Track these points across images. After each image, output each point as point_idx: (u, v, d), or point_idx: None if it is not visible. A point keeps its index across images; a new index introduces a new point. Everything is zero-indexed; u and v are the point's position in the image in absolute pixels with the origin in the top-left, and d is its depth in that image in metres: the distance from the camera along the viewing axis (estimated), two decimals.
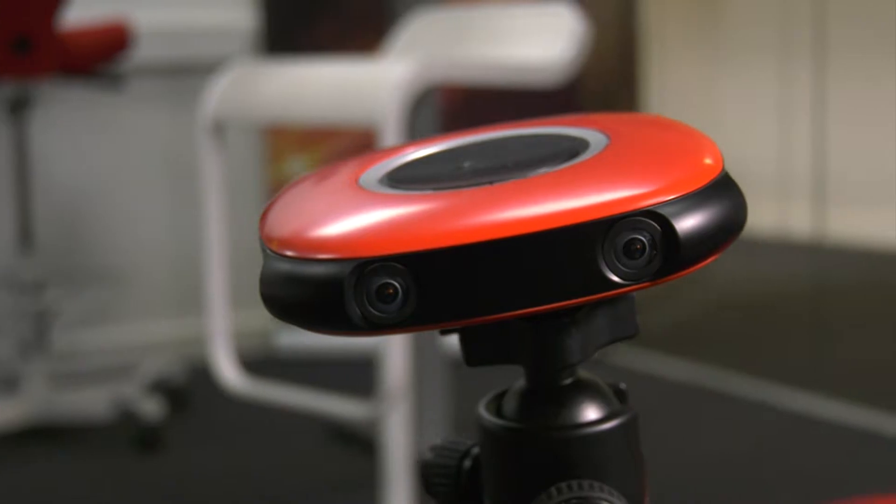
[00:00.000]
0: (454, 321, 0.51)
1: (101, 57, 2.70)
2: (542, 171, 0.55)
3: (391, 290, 0.51)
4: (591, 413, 0.60)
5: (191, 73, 3.16)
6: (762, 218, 4.25)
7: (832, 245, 4.26)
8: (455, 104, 3.01)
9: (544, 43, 2.03)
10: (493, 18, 2.17)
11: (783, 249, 4.28)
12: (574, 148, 0.58)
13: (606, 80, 3.20)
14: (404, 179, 0.58)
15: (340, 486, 2.32)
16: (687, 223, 0.51)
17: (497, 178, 0.55)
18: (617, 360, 2.96)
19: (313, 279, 0.52)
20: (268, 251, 0.55)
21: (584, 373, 0.62)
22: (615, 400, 0.62)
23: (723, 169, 0.54)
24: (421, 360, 2.21)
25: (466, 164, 0.59)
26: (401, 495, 1.85)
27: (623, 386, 0.63)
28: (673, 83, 4.81)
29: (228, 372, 2.03)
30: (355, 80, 1.86)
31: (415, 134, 1.90)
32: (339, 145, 3.23)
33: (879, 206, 4.28)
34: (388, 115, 1.74)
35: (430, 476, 0.64)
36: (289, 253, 0.53)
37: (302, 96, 1.91)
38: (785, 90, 4.51)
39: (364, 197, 0.57)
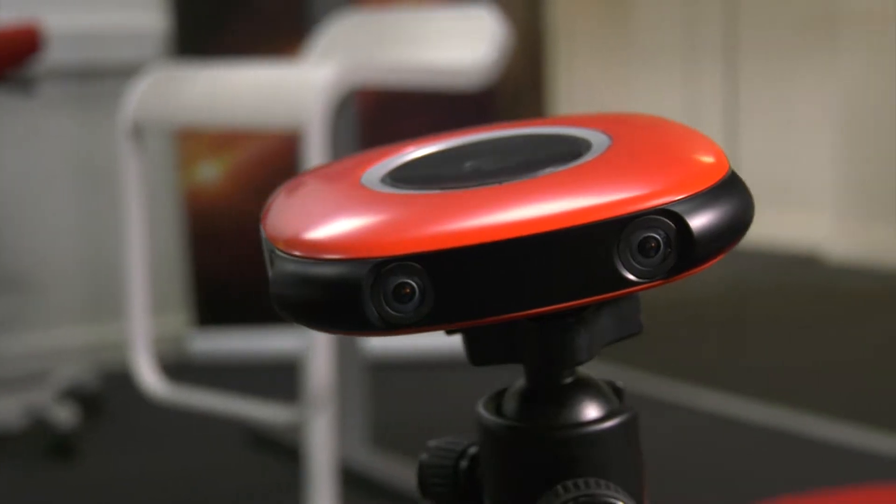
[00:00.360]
0: (470, 320, 0.52)
1: (10, 61, 2.66)
2: (551, 170, 0.55)
3: (408, 290, 0.51)
4: (594, 411, 0.61)
5: (103, 76, 3.12)
6: None
7: (745, 248, 4.31)
8: (369, 108, 3.01)
9: (465, 46, 2.03)
10: (413, 22, 2.17)
11: None
12: (577, 148, 0.58)
13: (517, 82, 3.22)
14: (410, 179, 0.58)
15: (260, 493, 2.31)
16: (701, 220, 0.52)
17: (505, 177, 0.55)
18: None
19: (330, 280, 0.51)
20: (279, 252, 0.54)
21: (582, 371, 0.62)
22: (614, 398, 0.62)
23: (729, 167, 0.55)
24: (343, 365, 2.20)
25: (470, 164, 0.60)
26: (325, 500, 1.84)
27: (620, 384, 0.63)
28: (581, 84, 4.84)
29: (149, 378, 2.01)
30: (279, 83, 1.85)
31: (336, 138, 1.89)
32: (252, 150, 3.21)
33: (790, 208, 4.34)
34: (312, 118, 1.73)
35: (426, 477, 0.64)
36: (303, 254, 0.53)
37: (225, 100, 1.89)
38: (693, 91, 4.56)
39: (373, 197, 0.56)
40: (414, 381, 2.94)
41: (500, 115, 2.96)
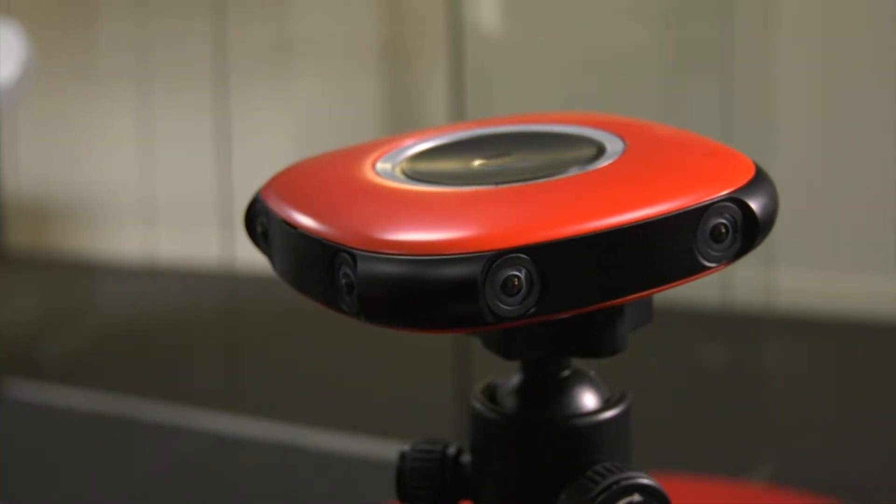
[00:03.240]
0: (573, 310, 0.53)
1: None
2: (600, 164, 0.59)
3: (516, 282, 0.52)
4: (602, 398, 0.64)
5: None
6: (131, 245, 4.24)
7: (239, 271, 4.32)
8: None
9: None
10: None
11: (155, 275, 4.29)
12: (591, 144, 0.62)
13: None
14: (456, 176, 0.59)
15: None
16: (760, 204, 0.57)
17: (560, 172, 0.58)
18: (12, 393, 2.84)
19: (445, 277, 0.51)
20: (363, 252, 0.53)
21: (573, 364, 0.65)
22: (602, 385, 0.65)
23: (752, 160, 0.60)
24: None
25: (512, 159, 0.61)
26: None
27: (592, 372, 0.66)
28: (30, 112, 4.68)
29: None
30: None
31: None
32: None
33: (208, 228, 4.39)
34: None
35: (408, 481, 0.64)
36: (408, 253, 0.52)
37: None
38: (146, 115, 4.52)
39: (442, 195, 0.57)
40: None
41: None
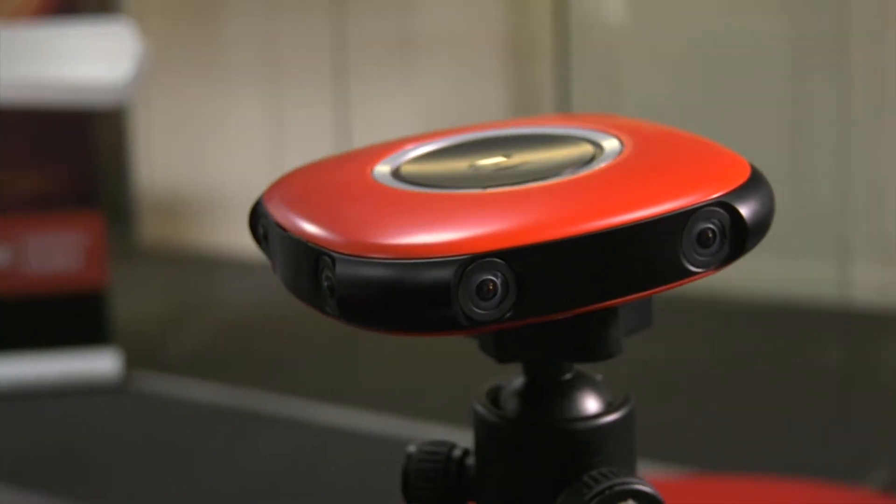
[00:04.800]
0: (550, 315, 0.53)
1: None
2: (596, 166, 0.58)
3: (491, 287, 0.51)
4: (603, 402, 0.63)
5: None
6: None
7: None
8: None
9: (100, 63, 1.97)
10: (44, 36, 2.08)
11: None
12: (591, 146, 0.61)
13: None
14: (446, 179, 0.59)
15: None
16: (750, 210, 0.55)
17: (551, 176, 0.57)
18: (140, 386, 2.91)
19: (418, 281, 0.51)
20: (342, 255, 0.53)
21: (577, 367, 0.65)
22: (606, 389, 0.65)
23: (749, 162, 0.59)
24: None
25: (501, 162, 0.61)
26: None
27: (599, 377, 0.66)
28: (166, 107, 4.77)
29: None
30: None
31: None
32: None
33: None
34: None
35: (413, 482, 0.64)
36: (383, 256, 0.52)
37: None
38: (276, 109, 4.58)
39: (429, 198, 0.56)
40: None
41: (96, 138, 2.88)
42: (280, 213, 0.60)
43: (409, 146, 0.65)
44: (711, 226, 0.55)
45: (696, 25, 2.98)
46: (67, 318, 2.47)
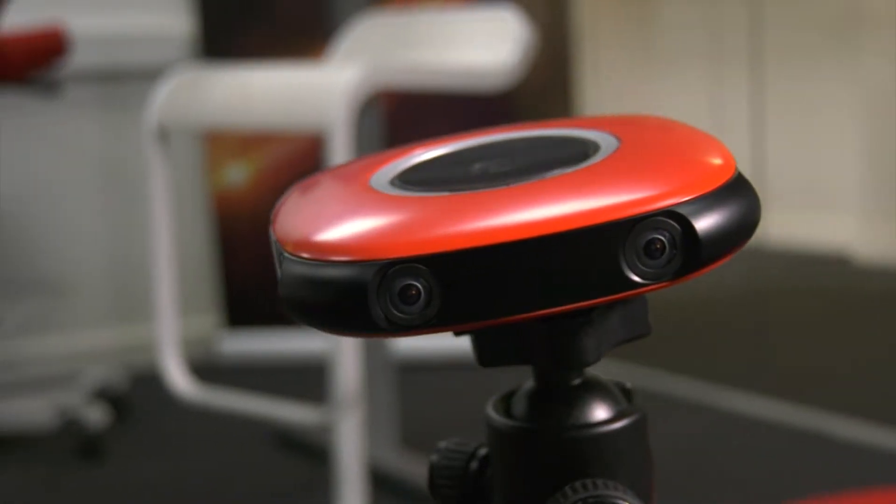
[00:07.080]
0: (477, 322, 0.52)
1: (35, 64, 2.67)
2: (558, 172, 0.56)
3: (414, 292, 0.51)
4: (602, 412, 0.61)
5: (127, 79, 3.13)
6: None
7: (772, 249, 4.30)
8: (394, 110, 3.01)
9: (488, 47, 2.03)
10: (436, 23, 2.17)
11: None
12: (585, 149, 0.59)
13: (540, 83, 3.21)
14: (417, 182, 0.59)
15: (288, 494, 2.31)
16: (706, 222, 0.52)
17: (512, 179, 0.56)
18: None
19: (337, 282, 0.52)
20: (286, 254, 0.55)
21: (590, 372, 0.63)
22: (623, 399, 0.63)
23: (736, 169, 0.55)
24: (371, 366, 2.20)
25: (478, 166, 0.60)
26: (354, 501, 1.85)
27: (629, 385, 0.64)
28: (606, 86, 4.83)
29: (178, 379, 2.02)
30: (303, 85, 1.85)
31: (360, 140, 1.90)
32: (279, 152, 3.22)
33: (816, 209, 4.33)
34: (337, 120, 1.73)
35: (436, 478, 0.65)
36: (311, 256, 0.53)
37: (249, 102, 1.90)
38: (719, 92, 4.55)
39: (381, 199, 0.57)
40: (442, 381, 2.94)
41: (524, 117, 2.96)
42: (274, 214, 0.61)
43: (418, 151, 0.65)
44: (660, 236, 0.51)
45: None
46: None
